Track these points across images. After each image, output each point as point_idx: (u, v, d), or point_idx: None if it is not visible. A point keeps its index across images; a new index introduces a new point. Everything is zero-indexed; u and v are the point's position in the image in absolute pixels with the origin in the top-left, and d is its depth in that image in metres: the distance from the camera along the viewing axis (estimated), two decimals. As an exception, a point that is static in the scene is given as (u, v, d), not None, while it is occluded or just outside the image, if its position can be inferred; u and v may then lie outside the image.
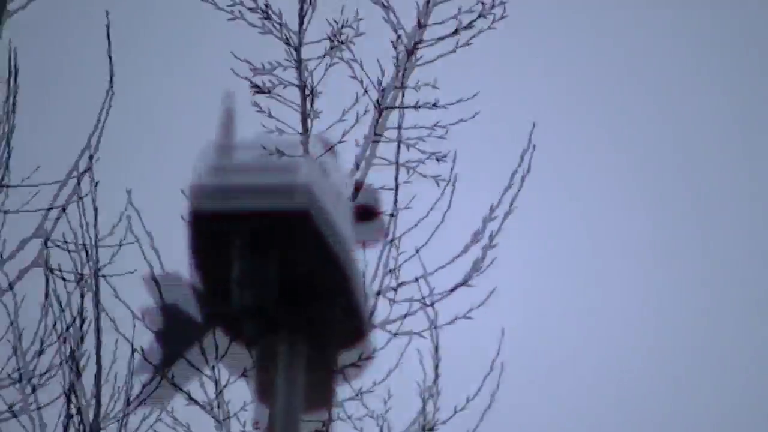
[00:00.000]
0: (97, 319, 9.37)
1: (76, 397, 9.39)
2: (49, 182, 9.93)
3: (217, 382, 9.30)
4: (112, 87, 10.29)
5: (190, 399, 9.25)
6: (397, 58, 9.79)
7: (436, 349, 9.61)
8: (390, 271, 9.52)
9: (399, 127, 9.52)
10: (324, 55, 9.89)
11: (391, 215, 9.70)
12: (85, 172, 9.82)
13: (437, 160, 9.71)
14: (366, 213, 4.38)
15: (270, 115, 9.46)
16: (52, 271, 9.56)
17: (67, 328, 9.51)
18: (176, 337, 4.30)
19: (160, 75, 12.92)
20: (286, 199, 3.68)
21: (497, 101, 11.44)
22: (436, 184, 9.59)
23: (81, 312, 9.45)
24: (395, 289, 9.73)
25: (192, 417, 9.72)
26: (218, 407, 9.41)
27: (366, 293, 4.48)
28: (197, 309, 4.08)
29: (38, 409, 9.66)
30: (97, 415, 9.33)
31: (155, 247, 9.31)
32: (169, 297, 4.23)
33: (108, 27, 10.12)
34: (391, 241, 9.57)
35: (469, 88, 10.45)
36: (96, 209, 9.90)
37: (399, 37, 9.93)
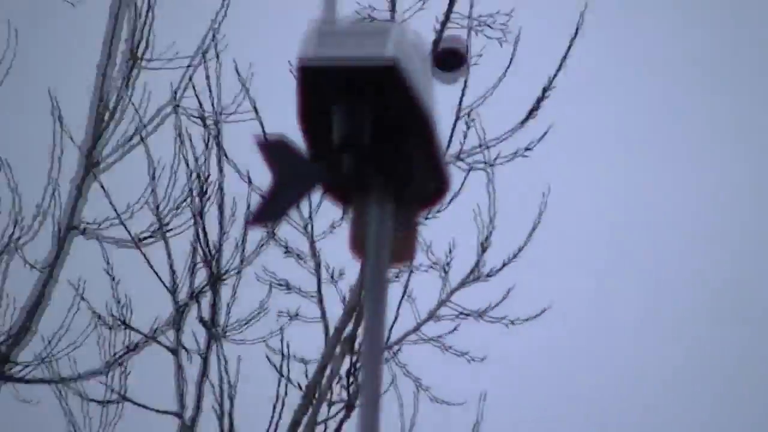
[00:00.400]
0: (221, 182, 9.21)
1: (201, 245, 9.18)
2: (182, 56, 9.36)
3: (311, 235, 8.93)
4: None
5: (287, 250, 9.06)
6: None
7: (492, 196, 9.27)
8: (466, 114, 9.30)
9: (469, 17, 9.35)
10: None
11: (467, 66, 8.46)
12: (207, 50, 9.38)
13: (500, 44, 9.62)
14: (454, 56, 4.99)
15: None
16: (180, 137, 9.34)
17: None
18: (287, 169, 3.68)
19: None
20: (379, 53, 3.31)
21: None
22: (499, 45, 9.48)
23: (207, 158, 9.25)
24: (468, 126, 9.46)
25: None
26: (312, 257, 9.07)
27: (444, 153, 4.63)
28: (303, 159, 3.50)
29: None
30: (219, 261, 9.16)
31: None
32: (279, 156, 3.61)
33: None
34: (465, 86, 9.23)
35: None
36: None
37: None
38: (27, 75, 9.68)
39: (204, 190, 8.93)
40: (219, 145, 9.00)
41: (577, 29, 9.52)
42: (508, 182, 9.85)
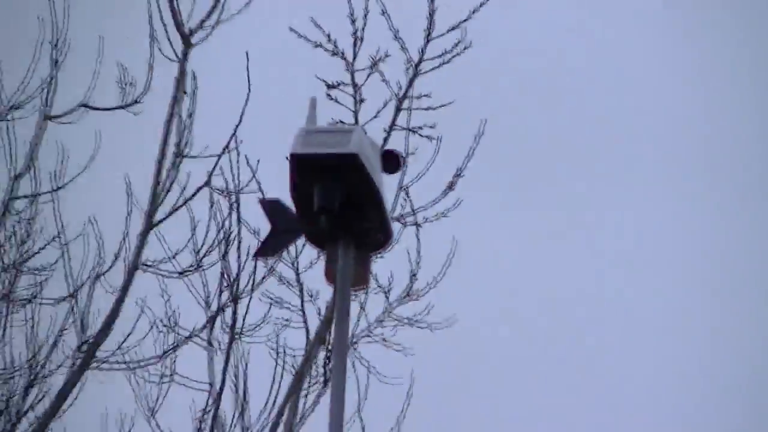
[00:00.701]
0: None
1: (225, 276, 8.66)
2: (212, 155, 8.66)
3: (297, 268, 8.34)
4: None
5: (280, 279, 8.47)
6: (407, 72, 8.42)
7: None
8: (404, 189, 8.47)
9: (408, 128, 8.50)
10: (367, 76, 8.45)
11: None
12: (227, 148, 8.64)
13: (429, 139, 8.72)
14: (391, 156, 4.10)
15: (336, 101, 8.40)
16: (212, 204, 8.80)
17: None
18: (281, 222, 4.02)
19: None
20: (345, 148, 3.66)
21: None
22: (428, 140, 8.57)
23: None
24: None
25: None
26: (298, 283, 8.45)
27: (389, 213, 4.42)
28: (293, 216, 3.86)
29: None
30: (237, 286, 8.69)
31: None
32: (275, 213, 4.08)
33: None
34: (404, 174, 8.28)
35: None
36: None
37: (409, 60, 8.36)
38: (109, 163, 9.08)
39: (227, 239, 8.43)
40: (237, 210, 8.46)
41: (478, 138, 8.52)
42: (432, 234, 8.83)
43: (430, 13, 7.92)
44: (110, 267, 8.21)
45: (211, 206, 8.23)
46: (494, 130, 9.11)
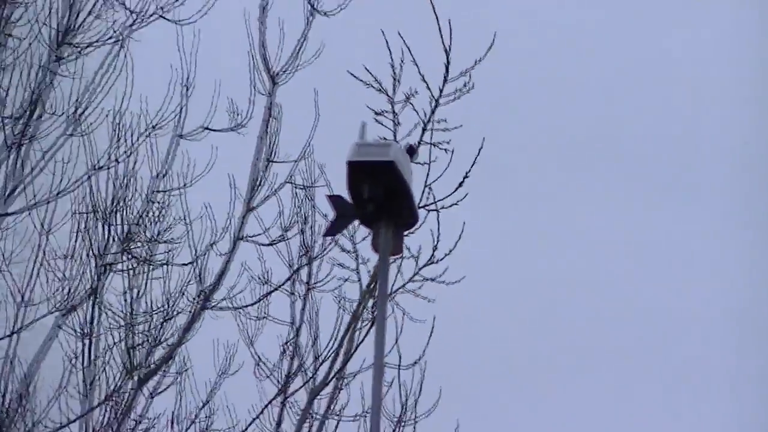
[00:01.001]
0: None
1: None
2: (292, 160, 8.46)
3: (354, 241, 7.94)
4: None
5: (342, 249, 8.01)
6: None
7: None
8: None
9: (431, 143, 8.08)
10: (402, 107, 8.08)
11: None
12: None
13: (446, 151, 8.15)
14: (410, 148, 4.25)
15: (381, 124, 7.97)
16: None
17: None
18: (342, 209, 3.90)
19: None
20: (385, 157, 3.62)
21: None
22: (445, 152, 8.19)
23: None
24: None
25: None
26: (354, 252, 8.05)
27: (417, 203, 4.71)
28: (349, 205, 3.76)
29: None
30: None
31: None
32: (338, 204, 3.92)
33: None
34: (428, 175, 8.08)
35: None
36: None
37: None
38: (220, 167, 8.64)
39: (304, 219, 8.23)
40: (312, 199, 8.33)
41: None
42: (448, 218, 8.27)
43: (446, 63, 8.43)
44: (220, 238, 8.55)
45: (293, 196, 8.56)
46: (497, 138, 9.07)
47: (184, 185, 8.54)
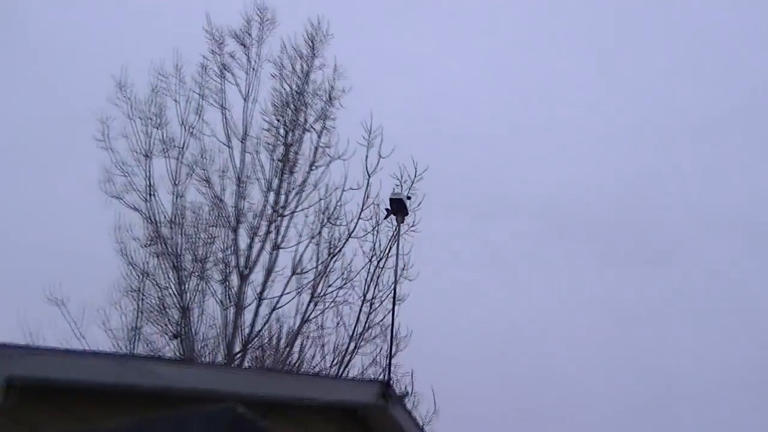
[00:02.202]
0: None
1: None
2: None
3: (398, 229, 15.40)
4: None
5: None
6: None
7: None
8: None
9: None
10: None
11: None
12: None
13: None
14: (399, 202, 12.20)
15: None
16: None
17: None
18: (393, 209, 10.42)
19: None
20: (401, 195, 12.47)
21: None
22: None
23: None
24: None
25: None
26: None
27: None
28: (389, 212, 10.65)
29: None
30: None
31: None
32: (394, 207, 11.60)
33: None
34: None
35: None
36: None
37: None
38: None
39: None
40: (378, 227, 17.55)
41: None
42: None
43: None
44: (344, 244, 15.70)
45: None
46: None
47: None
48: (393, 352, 8.23)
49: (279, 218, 12.30)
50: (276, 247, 12.78)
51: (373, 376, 10.43)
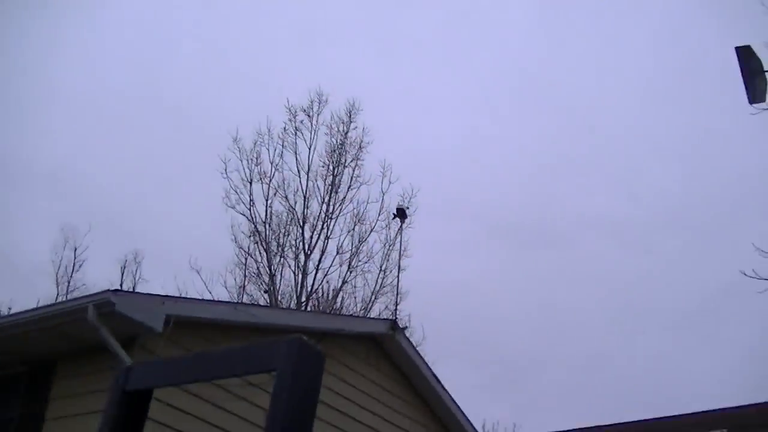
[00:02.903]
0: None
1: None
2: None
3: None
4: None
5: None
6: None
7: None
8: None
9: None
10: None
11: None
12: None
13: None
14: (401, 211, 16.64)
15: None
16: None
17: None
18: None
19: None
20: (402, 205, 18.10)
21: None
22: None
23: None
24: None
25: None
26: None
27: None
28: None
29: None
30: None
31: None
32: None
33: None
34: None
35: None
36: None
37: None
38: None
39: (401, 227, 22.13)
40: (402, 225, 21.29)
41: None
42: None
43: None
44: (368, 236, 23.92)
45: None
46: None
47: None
48: (398, 302, 14.98)
49: (329, 220, 20.53)
50: (327, 237, 20.71)
51: (385, 317, 14.64)
